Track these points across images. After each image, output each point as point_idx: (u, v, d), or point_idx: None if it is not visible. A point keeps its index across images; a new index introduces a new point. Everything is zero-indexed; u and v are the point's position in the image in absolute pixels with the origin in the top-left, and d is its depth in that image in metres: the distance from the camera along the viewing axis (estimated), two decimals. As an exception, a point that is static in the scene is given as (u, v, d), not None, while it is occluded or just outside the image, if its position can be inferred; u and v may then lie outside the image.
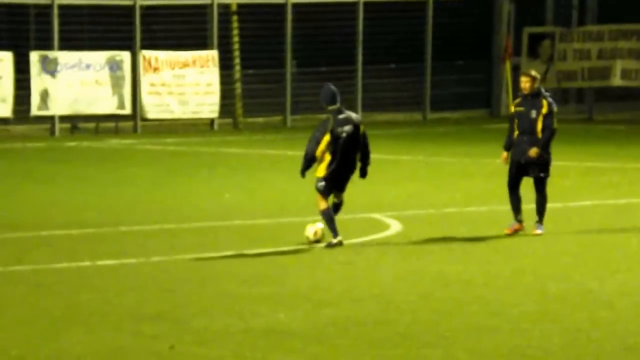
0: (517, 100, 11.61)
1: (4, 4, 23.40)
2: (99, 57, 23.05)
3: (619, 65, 25.95)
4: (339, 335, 7.86)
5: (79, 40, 23.16)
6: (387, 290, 9.28)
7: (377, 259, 10.59)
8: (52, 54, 22.85)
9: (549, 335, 7.88)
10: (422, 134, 24.01)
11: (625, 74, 25.96)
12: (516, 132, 11.46)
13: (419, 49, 25.50)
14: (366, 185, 10.91)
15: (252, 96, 24.51)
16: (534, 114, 11.39)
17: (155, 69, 23.50)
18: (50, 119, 23.01)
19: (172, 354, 7.45)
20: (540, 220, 11.45)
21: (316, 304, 8.75)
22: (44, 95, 22.77)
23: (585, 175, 17.02)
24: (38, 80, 22.71)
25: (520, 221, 11.43)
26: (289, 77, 24.55)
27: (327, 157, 10.80)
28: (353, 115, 11.03)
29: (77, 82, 22.92)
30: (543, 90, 11.59)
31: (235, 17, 24.39)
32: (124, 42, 23.21)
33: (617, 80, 26.05)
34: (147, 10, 23.68)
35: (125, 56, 23.24)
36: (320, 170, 10.88)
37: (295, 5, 24.48)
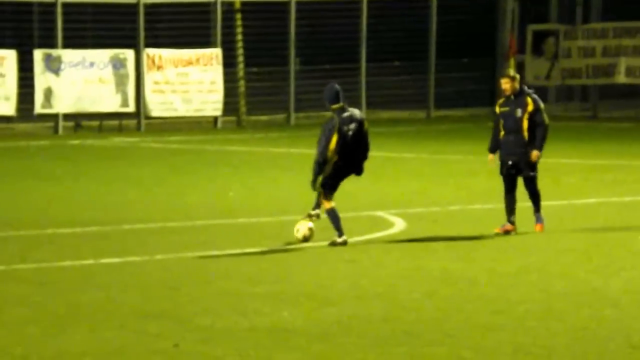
0: (501, 101, 11.54)
1: (8, 2, 23.41)
2: (102, 55, 23.06)
3: (623, 63, 25.90)
4: (343, 334, 7.84)
5: (82, 39, 23.17)
6: (392, 288, 9.25)
7: (381, 256, 10.56)
8: (55, 52, 22.86)
9: (554, 333, 7.86)
10: (426, 131, 23.99)
11: (629, 72, 25.91)
12: (502, 133, 11.41)
13: (423, 46, 25.47)
14: (370, 183, 10.91)
15: (255, 94, 24.50)
16: (519, 112, 11.34)
17: (159, 67, 23.50)
18: (54, 117, 23.02)
19: (176, 352, 7.44)
20: (537, 210, 11.42)
21: (320, 302, 8.73)
22: (48, 94, 22.78)
23: (590, 173, 16.98)
24: (42, 79, 22.72)
25: (512, 222, 11.39)
26: (292, 75, 24.54)
27: (335, 157, 10.75)
28: (356, 112, 11.00)
29: (81, 80, 22.94)
30: (526, 88, 11.51)
31: (238, 15, 24.38)
32: (127, 40, 23.22)
33: (621, 78, 26.00)
34: (151, 8, 23.68)
35: (129, 54, 23.25)
36: (326, 170, 10.86)
37: (298, 3, 24.45)
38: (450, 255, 10.66)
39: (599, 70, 26.14)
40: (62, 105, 22.87)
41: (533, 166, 11.42)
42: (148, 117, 23.57)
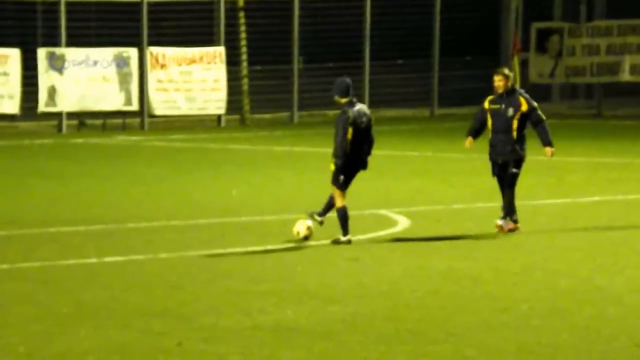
0: (491, 98, 11.43)
1: (12, 1, 23.40)
2: (106, 54, 23.06)
3: (627, 61, 25.85)
4: (346, 332, 7.82)
5: (86, 37, 23.17)
6: (395, 287, 9.24)
7: (384, 255, 10.55)
8: (59, 50, 22.86)
9: (558, 332, 7.84)
10: (429, 129, 23.96)
11: (634, 69, 25.86)
12: (490, 132, 11.31)
13: (427, 44, 25.44)
14: (374, 182, 10.91)
15: (259, 92, 24.48)
16: (510, 111, 11.24)
17: (163, 66, 23.49)
18: (58, 115, 23.02)
19: (179, 350, 7.43)
20: (504, 217, 11.31)
21: (324, 301, 8.72)
22: (52, 92, 22.78)
23: (594, 171, 16.95)
24: (45, 77, 22.72)
25: (515, 221, 11.32)
26: (295, 73, 24.52)
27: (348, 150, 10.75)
28: (364, 106, 11.02)
29: (85, 78, 22.93)
30: (517, 87, 11.43)
31: (242, 14, 24.36)
32: (131, 39, 23.21)
33: (626, 76, 25.95)
34: (154, 6, 23.68)
35: (132, 53, 23.24)
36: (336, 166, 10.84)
37: (302, 1, 24.43)
38: (454, 253, 10.64)
39: (604, 68, 26.10)
40: (66, 103, 22.87)
41: (518, 163, 11.31)
42: (151, 116, 23.56)
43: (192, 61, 23.69)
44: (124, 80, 23.19)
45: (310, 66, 24.94)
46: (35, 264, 10.14)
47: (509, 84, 11.33)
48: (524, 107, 11.29)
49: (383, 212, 12.58)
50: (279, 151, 19.93)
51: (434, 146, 19.98)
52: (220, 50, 23.87)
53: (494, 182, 13.43)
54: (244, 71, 24.41)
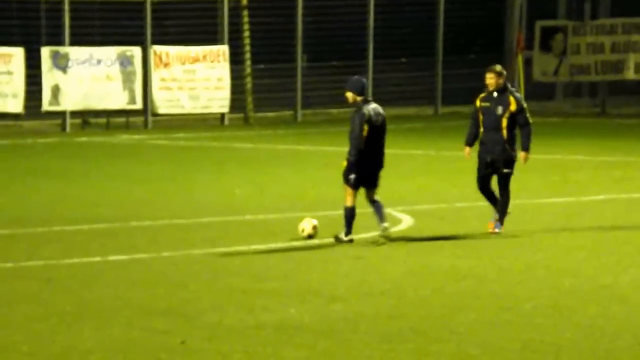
0: (482, 96, 11.35)
1: (16, 0, 23.41)
2: (110, 53, 23.07)
3: (632, 59, 25.81)
4: (350, 330, 7.82)
5: (90, 36, 23.17)
6: (399, 285, 9.23)
7: (388, 253, 10.54)
8: (63, 49, 22.87)
9: (562, 330, 7.83)
10: (433, 128, 23.93)
11: (638, 68, 25.82)
12: (481, 130, 11.24)
13: (431, 42, 25.41)
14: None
15: (262, 91, 24.47)
16: (500, 110, 11.17)
17: (166, 64, 23.49)
18: (62, 114, 23.03)
19: (183, 349, 7.42)
20: (500, 220, 11.20)
21: (327, 299, 8.71)
22: (55, 91, 22.79)
23: (599, 169, 16.93)
24: (49, 76, 22.73)
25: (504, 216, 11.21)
26: (299, 71, 24.51)
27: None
28: (379, 106, 11.02)
29: (88, 77, 22.94)
30: (509, 86, 11.32)
31: (245, 12, 24.36)
32: (134, 38, 23.21)
33: (630, 74, 25.91)
34: (158, 5, 23.68)
35: (136, 51, 23.25)
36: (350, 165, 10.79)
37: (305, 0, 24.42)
38: (458, 252, 10.63)
39: (608, 66, 26.06)
40: (70, 102, 22.88)
41: (510, 164, 11.24)
42: (155, 114, 23.56)
43: (196, 60, 23.69)
44: (127, 79, 23.19)
45: (313, 64, 24.92)
46: (39, 263, 10.14)
47: (501, 82, 11.23)
48: (513, 107, 11.21)
49: (387, 210, 12.57)
50: (282, 150, 19.92)
51: (438, 144, 19.96)
52: (223, 49, 23.87)
53: (495, 181, 13.39)
54: (248, 70, 24.40)
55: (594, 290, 9.05)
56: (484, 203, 12.71)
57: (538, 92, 27.14)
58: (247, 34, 24.27)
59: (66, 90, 22.82)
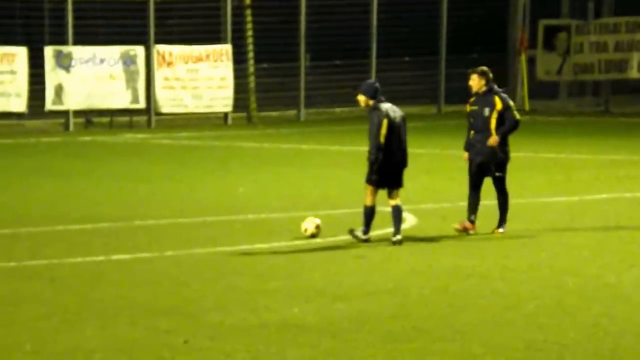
0: (472, 100, 11.35)
1: (19, 0, 23.45)
2: (113, 52, 23.07)
3: (635, 58, 25.77)
4: (353, 330, 7.81)
5: (93, 35, 23.18)
6: (402, 284, 9.22)
7: (391, 252, 10.53)
8: (66, 48, 22.88)
9: (566, 330, 7.82)
10: (436, 127, 23.91)
11: (642, 67, 25.78)
12: (472, 132, 11.24)
13: (434, 41, 25.39)
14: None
15: (265, 90, 24.48)
16: (486, 111, 11.17)
17: (169, 64, 23.50)
18: (65, 113, 23.05)
19: (186, 348, 7.42)
20: (502, 220, 11.20)
21: (330, 298, 8.70)
22: (59, 90, 22.81)
23: (602, 168, 16.91)
24: (52, 75, 22.75)
25: (472, 221, 11.20)
26: (302, 70, 24.50)
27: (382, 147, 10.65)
28: (395, 107, 10.99)
29: (92, 76, 22.95)
30: (495, 87, 11.26)
31: (248, 11, 24.36)
32: (138, 37, 23.22)
33: (634, 73, 25.87)
34: (161, 4, 23.68)
35: (139, 51, 23.25)
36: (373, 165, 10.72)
37: (309, -1, 24.41)
38: (461, 251, 10.62)
39: (611, 65, 26.02)
40: (73, 101, 22.89)
41: (502, 166, 11.20)
42: (158, 114, 23.57)
43: (199, 59, 23.69)
44: (130, 78, 23.20)
45: (317, 64, 24.91)
46: (42, 262, 10.14)
47: (484, 82, 11.20)
48: (499, 106, 11.19)
49: (390, 209, 12.56)
50: (285, 149, 19.92)
51: (441, 143, 19.94)
52: (227, 48, 23.87)
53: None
54: (251, 69, 24.40)
55: (597, 290, 9.04)
56: (487, 202, 12.69)
57: (541, 91, 27.12)
58: (250, 33, 24.27)
59: (69, 89, 22.83)
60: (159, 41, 23.48)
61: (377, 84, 11.00)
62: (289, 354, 7.30)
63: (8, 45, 22.58)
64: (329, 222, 11.45)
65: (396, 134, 10.76)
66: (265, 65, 24.50)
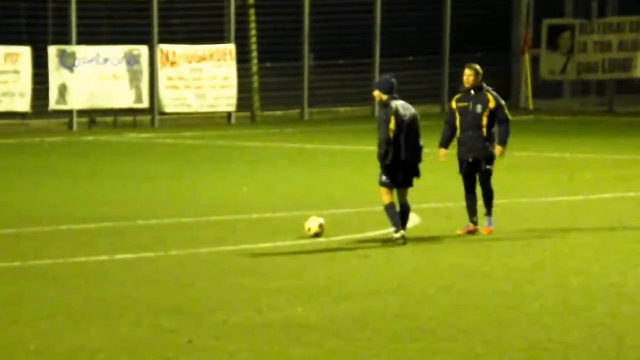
0: (458, 96, 11.22)
1: (23, -1, 23.45)
2: (116, 51, 23.08)
3: (639, 57, 25.73)
4: (357, 329, 7.81)
5: (96, 35, 23.19)
6: (406, 284, 9.21)
7: (395, 252, 10.52)
8: (70, 48, 22.89)
9: (570, 329, 7.80)
10: (440, 126, 23.79)
11: (646, 66, 25.74)
12: (459, 131, 11.11)
13: (437, 41, 25.38)
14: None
15: (269, 89, 24.47)
16: (479, 108, 11.04)
17: (173, 63, 23.50)
18: (68, 113, 23.06)
19: (190, 347, 7.42)
20: (489, 213, 11.06)
21: (334, 298, 8.70)
22: (62, 90, 22.82)
23: (606, 168, 16.88)
24: (56, 75, 22.76)
25: (475, 222, 11.14)
26: (306, 70, 24.50)
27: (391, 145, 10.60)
28: (408, 105, 10.91)
29: (95, 76, 22.96)
30: (484, 84, 11.16)
31: (252, 10, 24.35)
32: (141, 36, 23.23)
33: (638, 72, 25.83)
34: (164, 4, 23.68)
35: (142, 50, 23.26)
36: (386, 159, 10.64)
37: (312, -2, 24.40)
38: (465, 250, 10.60)
39: (615, 64, 25.99)
40: (77, 101, 22.91)
41: (490, 160, 11.11)
42: (162, 113, 23.58)
43: (202, 58, 23.70)
44: (134, 77, 23.21)
45: (320, 63, 24.90)
46: (46, 262, 10.15)
47: (478, 80, 11.11)
48: (492, 104, 11.09)
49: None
50: (289, 148, 19.91)
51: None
52: (230, 48, 23.86)
53: (505, 179, 13.32)
54: (254, 68, 24.40)
55: (601, 289, 9.03)
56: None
57: (545, 90, 27.08)
58: (253, 32, 24.26)
59: (73, 89, 22.84)
60: (162, 41, 23.48)
61: (393, 80, 10.88)
62: (293, 353, 7.29)
63: (12, 45, 22.59)
64: (332, 221, 11.44)
65: (405, 131, 10.67)
66: (268, 64, 24.49)
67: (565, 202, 13.58)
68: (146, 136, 21.98)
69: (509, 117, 11.25)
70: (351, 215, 12.35)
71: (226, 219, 12.30)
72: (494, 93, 11.23)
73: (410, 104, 11.17)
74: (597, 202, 13.56)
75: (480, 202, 11.24)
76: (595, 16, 26.61)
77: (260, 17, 24.30)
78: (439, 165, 17.26)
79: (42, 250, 10.67)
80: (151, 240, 11.11)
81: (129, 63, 23.18)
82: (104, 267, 9.96)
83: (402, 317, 8.13)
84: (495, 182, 12.11)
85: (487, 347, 7.41)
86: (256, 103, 24.50)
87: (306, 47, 24.45)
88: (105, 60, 23.01)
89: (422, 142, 10.92)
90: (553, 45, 26.47)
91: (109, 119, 23.48)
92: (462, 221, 11.99)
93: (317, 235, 10.99)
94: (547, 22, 26.66)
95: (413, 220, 11.87)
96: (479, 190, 11.29)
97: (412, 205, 11.92)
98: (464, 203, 12.24)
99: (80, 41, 22.94)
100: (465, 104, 11.17)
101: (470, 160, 11.15)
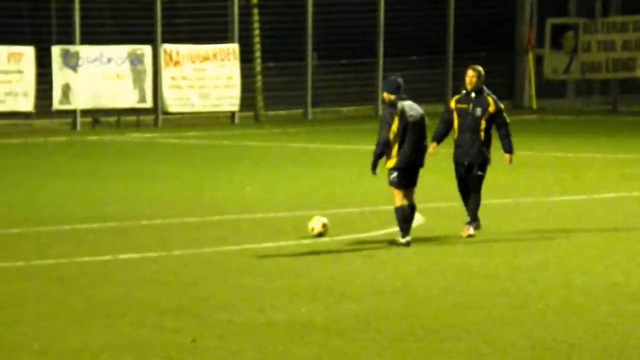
0: (459, 97, 11.17)
1: (26, -1, 23.47)
2: (120, 51, 23.10)
3: (643, 56, 25.70)
4: (361, 329, 7.80)
5: (100, 34, 23.20)
6: (409, 283, 9.21)
7: (399, 251, 10.51)
8: (73, 48, 22.90)
9: (574, 329, 7.80)
10: (444, 126, 23.81)
11: (649, 65, 25.71)
12: (456, 133, 11.08)
13: (441, 40, 25.36)
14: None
15: (272, 89, 24.48)
16: (479, 111, 11.00)
17: (176, 63, 23.51)
18: (72, 113, 23.08)
19: (193, 347, 7.42)
20: (472, 221, 11.02)
21: (338, 297, 8.70)
22: (66, 90, 22.83)
23: (610, 167, 16.87)
24: (60, 75, 22.78)
25: (476, 219, 11.09)
26: (309, 69, 24.50)
27: (396, 145, 10.58)
28: (416, 105, 10.90)
29: (99, 76, 22.98)
30: (484, 87, 11.11)
31: (255, 10, 24.36)
32: (145, 36, 23.24)
33: (641, 71, 25.81)
34: (168, 4, 23.69)
35: (146, 50, 23.27)
36: (390, 161, 10.65)
37: (315, -2, 24.40)
38: (469, 250, 10.60)
39: (619, 64, 25.97)
40: (80, 101, 22.92)
41: (483, 166, 11.07)
42: (165, 113, 23.59)
43: (206, 58, 23.70)
44: (138, 77, 23.22)
45: (324, 62, 24.90)
46: (49, 261, 10.15)
47: (480, 82, 11.07)
48: (492, 108, 11.04)
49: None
50: (292, 148, 19.91)
51: (448, 142, 19.88)
52: (233, 47, 23.87)
53: (509, 178, 13.28)
54: (258, 68, 24.40)
55: (605, 289, 9.01)
56: (494, 201, 12.66)
57: (549, 90, 27.06)
58: (257, 32, 24.26)
59: (77, 89, 22.86)
60: (166, 40, 23.49)
61: (400, 80, 10.84)
62: (297, 353, 7.29)
63: (15, 45, 22.61)
64: (336, 221, 11.44)
65: (411, 133, 10.65)
66: (272, 64, 24.49)
67: (569, 201, 13.57)
68: (150, 136, 21.99)
69: (508, 120, 11.21)
70: (355, 215, 12.35)
71: (230, 219, 12.30)
72: (494, 97, 11.20)
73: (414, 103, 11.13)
74: (601, 201, 13.54)
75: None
76: (599, 16, 26.59)
77: (263, 17, 24.30)
78: (443, 166, 17.24)
79: (46, 250, 10.67)
80: (154, 240, 11.11)
81: (132, 63, 23.19)
82: (108, 267, 9.97)
83: (406, 316, 8.12)
84: (499, 181, 12.13)
85: (491, 346, 7.40)
86: (260, 103, 24.50)
87: (310, 47, 24.45)
88: (109, 60, 23.03)
89: (426, 142, 10.90)
90: (557, 44, 26.46)
91: (113, 118, 23.49)
92: (466, 221, 11.96)
93: (320, 235, 10.99)
94: (550, 21, 26.64)
95: (417, 220, 11.86)
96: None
97: (416, 205, 11.90)
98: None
99: (84, 41, 22.95)
100: (465, 105, 11.14)
101: (465, 163, 11.13)
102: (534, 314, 8.20)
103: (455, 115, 11.18)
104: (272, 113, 24.54)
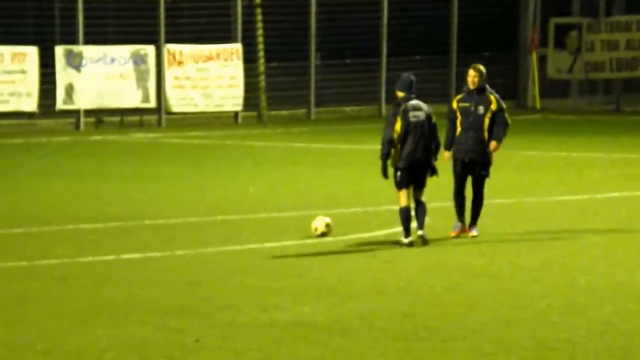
0: (461, 96, 11.14)
1: (30, -1, 23.50)
2: (123, 51, 23.11)
3: (647, 56, 25.68)
4: (364, 329, 7.80)
5: (103, 35, 23.22)
6: (413, 283, 9.21)
7: (402, 251, 10.51)
8: (77, 48, 22.92)
9: (577, 328, 7.79)
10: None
11: (653, 65, 25.69)
12: (459, 130, 11.01)
13: (444, 40, 25.35)
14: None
15: (276, 89, 24.48)
16: (481, 109, 10.96)
17: (180, 63, 23.52)
18: (76, 113, 23.10)
19: (197, 347, 7.42)
20: (474, 223, 10.99)
21: (341, 297, 8.70)
22: (69, 90, 22.85)
23: (613, 167, 16.86)
24: (63, 75, 22.80)
25: (463, 222, 11.05)
26: (312, 69, 24.50)
27: (399, 145, 10.55)
28: (423, 104, 10.85)
29: (102, 76, 22.99)
30: (487, 86, 11.08)
31: (259, 10, 24.36)
32: (148, 36, 23.26)
33: (645, 71, 25.78)
34: (171, 4, 23.70)
35: (149, 50, 23.29)
36: (394, 160, 10.62)
37: (319, -3, 24.40)
38: (472, 249, 10.59)
39: (623, 63, 25.94)
40: (84, 101, 22.94)
41: (486, 166, 11.03)
42: (169, 113, 23.61)
43: (209, 58, 23.71)
44: (141, 77, 23.23)
45: (327, 62, 24.90)
46: (53, 262, 10.16)
47: (482, 81, 11.04)
48: (494, 106, 11.01)
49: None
50: (296, 148, 19.91)
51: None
52: (237, 47, 23.88)
53: (512, 178, 13.24)
54: (261, 68, 24.41)
55: (609, 288, 9.01)
56: (497, 201, 12.64)
57: (553, 89, 27.03)
58: (260, 32, 24.27)
59: (80, 89, 22.88)
60: (169, 40, 23.50)
61: (412, 78, 10.79)
62: (300, 353, 7.29)
63: (19, 45, 22.64)
64: (339, 221, 11.44)
65: (413, 133, 10.61)
66: (275, 64, 24.50)
67: (573, 201, 13.56)
68: (153, 136, 22.00)
69: (509, 121, 11.17)
70: (358, 215, 12.35)
71: (233, 219, 12.30)
72: (497, 95, 11.17)
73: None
74: (605, 201, 13.53)
75: (468, 205, 11.08)
76: (603, 15, 26.56)
77: (267, 17, 24.31)
78: (446, 165, 17.21)
79: (49, 250, 10.68)
80: (158, 240, 11.11)
81: (136, 63, 23.21)
82: (111, 267, 9.97)
83: (409, 316, 8.12)
84: (502, 181, 12.12)
85: (494, 346, 7.40)
86: (263, 103, 24.50)
87: (313, 47, 24.45)
88: (113, 60, 23.04)
89: (435, 143, 10.75)
90: (560, 44, 26.44)
91: (116, 118, 23.51)
92: (468, 221, 11.96)
93: (324, 234, 10.99)
94: (554, 21, 26.62)
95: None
96: (468, 193, 11.16)
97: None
98: (469, 203, 12.24)
99: (87, 41, 22.97)
100: (467, 104, 11.12)
101: (466, 160, 11.05)
102: (537, 314, 8.19)
103: (458, 115, 11.16)
104: (275, 113, 24.54)
